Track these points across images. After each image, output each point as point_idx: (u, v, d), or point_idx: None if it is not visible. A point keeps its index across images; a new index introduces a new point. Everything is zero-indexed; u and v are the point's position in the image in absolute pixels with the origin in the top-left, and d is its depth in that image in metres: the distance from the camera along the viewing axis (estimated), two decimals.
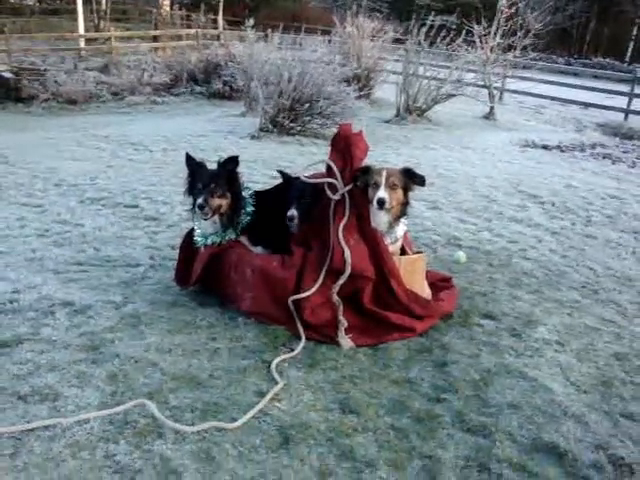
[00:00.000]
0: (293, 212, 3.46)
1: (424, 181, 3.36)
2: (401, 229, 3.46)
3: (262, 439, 2.41)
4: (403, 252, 3.64)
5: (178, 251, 3.87)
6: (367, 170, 3.31)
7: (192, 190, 3.49)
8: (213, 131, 10.29)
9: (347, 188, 3.28)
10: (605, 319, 3.90)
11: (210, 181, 3.40)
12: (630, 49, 44.10)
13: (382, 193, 3.19)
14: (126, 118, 12.92)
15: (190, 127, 10.80)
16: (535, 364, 3.20)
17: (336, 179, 3.30)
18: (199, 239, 3.61)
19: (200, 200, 3.33)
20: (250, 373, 2.88)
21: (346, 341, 3.26)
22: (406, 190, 3.34)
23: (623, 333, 3.70)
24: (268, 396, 2.66)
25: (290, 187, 3.58)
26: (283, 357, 3.04)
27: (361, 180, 3.31)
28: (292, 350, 3.13)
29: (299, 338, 3.24)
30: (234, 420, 2.48)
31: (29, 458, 2.17)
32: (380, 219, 3.32)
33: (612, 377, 3.14)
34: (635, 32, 44.65)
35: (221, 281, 3.60)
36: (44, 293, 3.59)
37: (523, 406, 2.78)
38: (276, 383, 2.79)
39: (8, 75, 15.01)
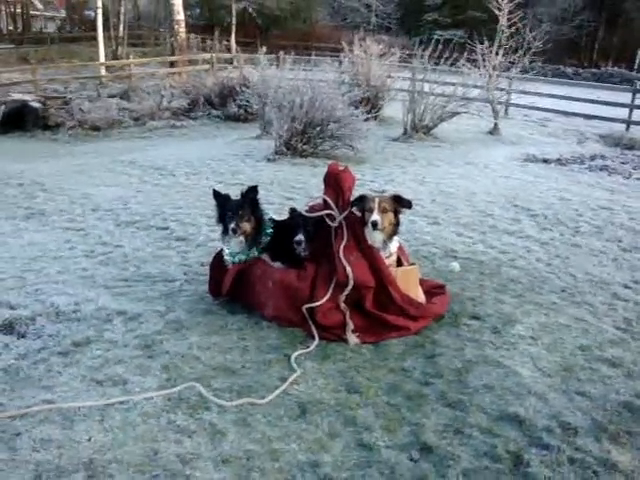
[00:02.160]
0: (300, 237, 4.17)
1: (411, 205, 4.10)
2: (394, 245, 4.16)
3: (285, 411, 3.11)
4: (400, 263, 4.33)
5: (209, 268, 4.58)
6: (362, 198, 4.05)
7: (222, 218, 4.20)
8: (231, 155, 11.05)
9: (342, 216, 4.03)
10: (577, 318, 4.51)
11: (238, 209, 4.12)
12: (638, 57, 44.35)
13: (375, 216, 3.92)
14: (148, 143, 13.73)
15: (209, 151, 11.57)
16: (510, 355, 3.83)
17: (333, 210, 4.03)
18: (228, 258, 4.32)
19: (232, 225, 4.05)
20: (274, 364, 3.58)
21: (353, 339, 3.93)
22: (396, 213, 4.06)
23: (590, 329, 4.31)
24: (289, 380, 3.35)
25: (295, 218, 4.32)
26: (300, 352, 3.72)
27: (358, 206, 4.04)
28: (308, 347, 3.81)
29: (313, 337, 3.91)
30: (263, 397, 3.19)
31: (112, 423, 2.90)
32: (375, 238, 4.03)
33: (574, 364, 3.76)
34: None
35: (247, 292, 4.30)
36: (100, 304, 4.31)
37: (495, 387, 3.43)
38: (295, 371, 3.47)
39: (36, 104, 15.96)
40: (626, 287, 5.22)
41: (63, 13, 54.33)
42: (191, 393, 3.19)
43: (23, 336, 3.81)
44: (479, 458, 2.79)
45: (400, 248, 4.37)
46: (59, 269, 5.15)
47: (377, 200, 3.99)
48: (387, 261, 4.09)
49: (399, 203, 4.09)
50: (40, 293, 4.54)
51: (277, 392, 3.24)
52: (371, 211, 3.96)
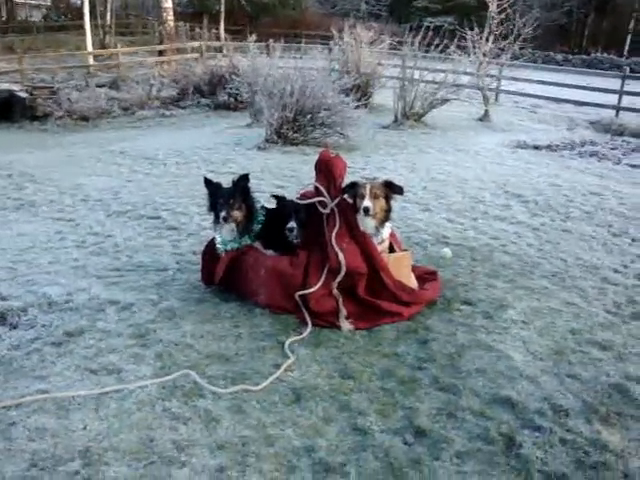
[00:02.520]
0: (292, 224, 4.16)
1: (402, 191, 4.11)
2: (386, 231, 4.17)
3: (279, 397, 3.13)
4: (392, 249, 4.34)
5: (201, 256, 4.58)
6: (354, 184, 4.06)
7: (214, 206, 4.19)
8: (221, 143, 11.01)
9: (334, 203, 4.04)
10: (568, 302, 4.55)
11: (229, 197, 4.11)
12: (628, 42, 44.36)
13: (367, 202, 3.93)
14: (137, 132, 13.64)
15: (199, 140, 11.51)
16: (502, 339, 3.87)
17: (324, 197, 4.03)
18: (220, 246, 4.31)
19: (223, 213, 4.05)
20: (268, 351, 3.59)
21: (346, 325, 3.94)
22: (387, 199, 4.06)
23: (581, 313, 4.35)
24: (283, 367, 3.37)
25: (287, 205, 4.29)
26: (294, 339, 3.73)
27: (350, 193, 4.05)
28: (301, 333, 3.82)
29: (307, 324, 3.92)
30: (257, 384, 3.20)
31: (108, 411, 2.91)
32: (367, 224, 4.04)
33: (565, 347, 3.80)
34: (632, 25, 44.88)
35: (240, 279, 4.30)
36: (92, 294, 4.30)
37: (488, 371, 3.46)
38: (289, 358, 3.48)
39: (23, 94, 15.78)
40: (616, 271, 5.27)
41: (49, 1, 53.62)
42: (185, 381, 3.20)
43: (15, 327, 3.79)
44: (472, 440, 2.83)
45: (392, 235, 4.39)
46: (50, 260, 5.13)
47: (368, 186, 3.99)
48: (379, 247, 4.11)
49: (390, 189, 4.10)
50: (32, 284, 4.52)
51: (271, 379, 3.25)
52: (362, 197, 3.96)
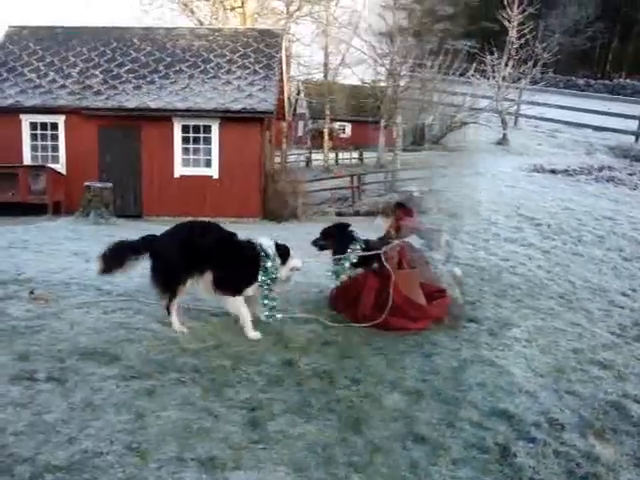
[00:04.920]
0: None
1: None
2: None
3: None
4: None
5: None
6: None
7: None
8: None
9: None
10: (573, 322, 4.66)
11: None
12: None
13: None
14: None
15: None
16: (504, 356, 3.99)
17: None
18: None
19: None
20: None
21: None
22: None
23: (585, 333, 4.46)
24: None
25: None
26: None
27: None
28: None
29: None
30: None
31: None
32: None
33: (566, 366, 3.91)
34: None
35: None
36: None
37: (488, 385, 3.58)
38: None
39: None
40: (623, 295, 5.37)
41: None
42: None
43: None
44: (468, 449, 2.95)
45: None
46: None
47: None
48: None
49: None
50: None
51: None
52: None
